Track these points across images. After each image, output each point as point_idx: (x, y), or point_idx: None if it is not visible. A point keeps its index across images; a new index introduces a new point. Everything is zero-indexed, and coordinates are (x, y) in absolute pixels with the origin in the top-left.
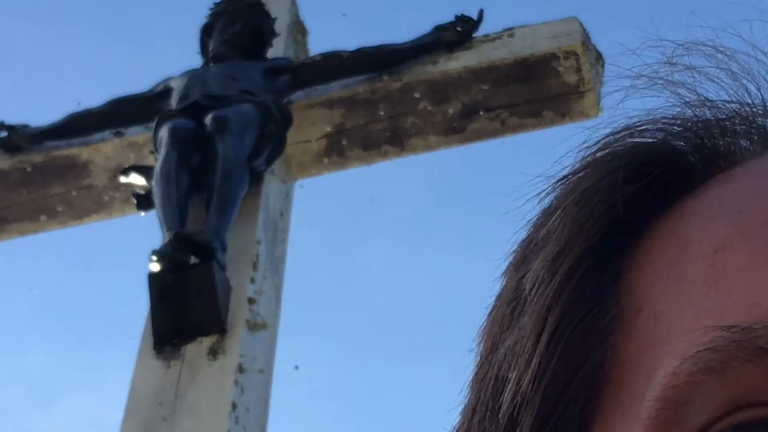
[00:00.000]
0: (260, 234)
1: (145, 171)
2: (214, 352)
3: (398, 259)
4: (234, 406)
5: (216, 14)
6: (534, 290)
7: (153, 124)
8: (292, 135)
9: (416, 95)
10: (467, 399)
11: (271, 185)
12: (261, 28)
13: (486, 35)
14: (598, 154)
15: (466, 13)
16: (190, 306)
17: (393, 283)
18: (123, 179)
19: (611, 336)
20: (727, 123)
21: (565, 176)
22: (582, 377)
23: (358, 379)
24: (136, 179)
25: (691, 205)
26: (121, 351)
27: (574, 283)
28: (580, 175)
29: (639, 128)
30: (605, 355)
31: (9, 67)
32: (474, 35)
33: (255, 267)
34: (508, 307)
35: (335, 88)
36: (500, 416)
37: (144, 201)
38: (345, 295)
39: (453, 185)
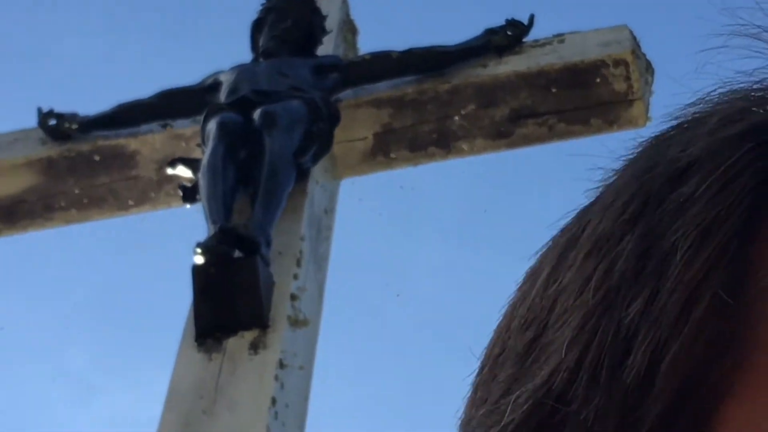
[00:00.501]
0: (305, 231)
1: (191, 163)
2: (255, 347)
3: (446, 262)
4: (273, 401)
5: (267, 10)
6: (680, 254)
7: (201, 117)
8: (339, 133)
9: (465, 98)
10: (575, 345)
11: (316, 183)
12: (311, 25)
13: (536, 40)
14: (720, 166)
15: (517, 18)
16: (232, 300)
17: (439, 286)
18: (170, 171)
19: (755, 314)
20: None
21: (681, 171)
22: (718, 356)
23: (398, 381)
24: (183, 171)
25: None
26: (159, 347)
27: (725, 262)
28: (699, 176)
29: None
30: (746, 335)
31: (60, 59)
32: (524, 40)
33: (299, 263)
34: (640, 262)
35: (384, 88)
36: (632, 369)
37: (190, 193)
38: (389, 295)
39: (505, 190)
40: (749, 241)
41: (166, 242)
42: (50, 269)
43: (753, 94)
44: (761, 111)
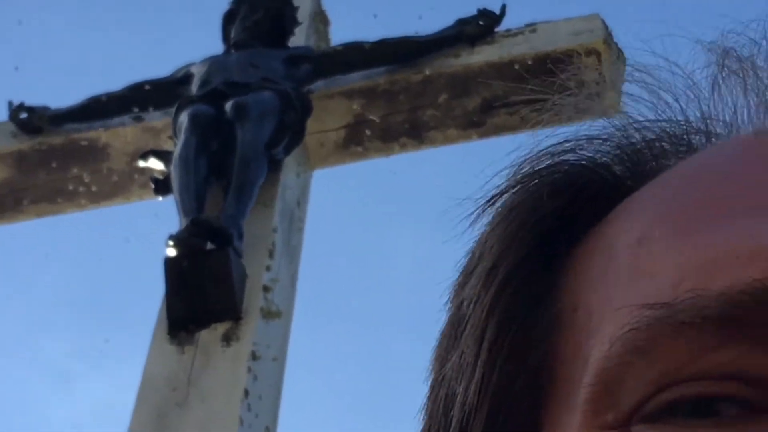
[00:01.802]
0: (277, 222)
1: (163, 156)
2: (227, 339)
3: (419, 252)
4: (246, 393)
5: (239, 1)
6: (471, 305)
7: (173, 110)
8: (311, 124)
9: (437, 88)
10: (423, 423)
11: (289, 174)
12: (283, 17)
13: (508, 30)
14: (522, 174)
15: (489, 8)
16: (205, 292)
17: (412, 276)
18: (141, 164)
19: (550, 337)
20: (655, 143)
21: (493, 197)
22: (525, 379)
23: (371, 371)
24: (155, 164)
25: (617, 210)
26: (136, 336)
27: (509, 293)
28: (508, 195)
29: (567, 146)
30: (546, 356)
31: (30, 51)
32: (496, 30)
33: (271, 255)
34: (452, 329)
35: (356, 79)
36: (451, 429)
37: (162, 186)
38: (362, 286)
39: (479, 179)
40: (538, 269)
41: (140, 234)
42: (25, 259)
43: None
44: (557, 160)
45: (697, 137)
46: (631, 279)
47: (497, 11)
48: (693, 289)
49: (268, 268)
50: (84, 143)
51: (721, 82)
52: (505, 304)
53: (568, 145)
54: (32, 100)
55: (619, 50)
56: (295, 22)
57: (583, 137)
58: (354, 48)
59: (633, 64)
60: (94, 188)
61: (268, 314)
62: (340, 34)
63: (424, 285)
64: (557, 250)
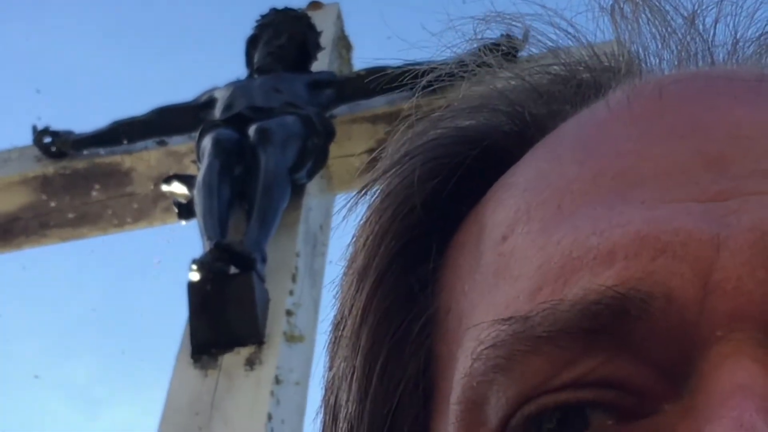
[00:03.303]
0: (300, 247)
1: (187, 180)
2: (251, 363)
3: None
4: (270, 417)
5: (262, 26)
6: (346, 311)
7: (196, 134)
8: (334, 149)
9: None
10: (320, 425)
11: (312, 198)
12: (306, 42)
13: (531, 56)
14: (399, 153)
15: (512, 33)
16: (228, 316)
17: None
18: (165, 188)
19: (427, 342)
20: (545, 87)
21: (368, 183)
22: (406, 389)
23: None
24: (178, 188)
25: (492, 190)
26: (161, 360)
27: (381, 296)
28: (382, 179)
29: (446, 116)
30: (426, 364)
31: (56, 76)
32: (519, 55)
33: (294, 279)
34: (335, 331)
35: (379, 104)
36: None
37: (185, 210)
38: None
39: None
40: (412, 265)
41: (164, 258)
42: (51, 284)
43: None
44: (429, 133)
45: (586, 75)
46: (495, 283)
47: (520, 36)
48: (548, 299)
49: (291, 293)
50: (108, 167)
51: (616, 24)
52: (378, 309)
53: (441, 115)
54: (56, 125)
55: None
56: (318, 47)
57: (457, 104)
58: (377, 73)
59: (508, 15)
60: (117, 212)
61: (291, 338)
62: (363, 59)
63: None
64: (436, 240)
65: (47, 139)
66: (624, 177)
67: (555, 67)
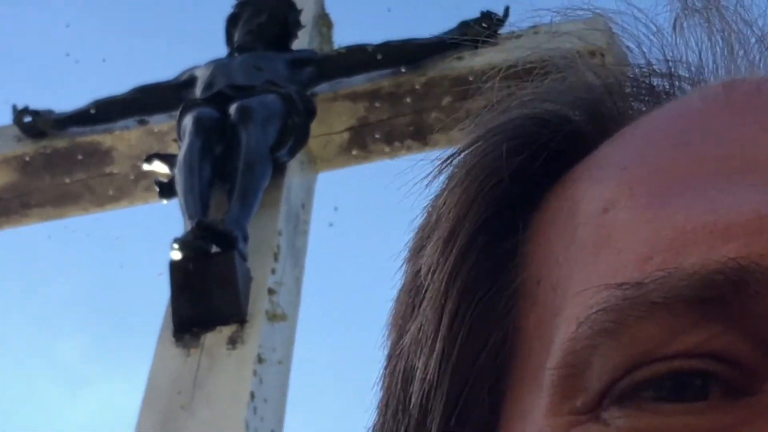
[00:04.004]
0: (282, 225)
1: (168, 159)
2: (233, 342)
3: None
4: (252, 396)
5: (242, 5)
6: (430, 274)
7: (177, 113)
8: (315, 127)
9: (440, 90)
10: (380, 395)
11: (293, 177)
12: (286, 20)
13: (512, 32)
14: (482, 130)
15: (492, 10)
16: (210, 295)
17: None
18: (146, 167)
19: (513, 311)
20: (615, 86)
21: (450, 156)
22: (487, 356)
23: (377, 375)
24: (159, 167)
25: (580, 169)
26: (147, 339)
27: (470, 262)
28: (465, 153)
29: (524, 100)
30: (510, 331)
31: (35, 54)
32: (499, 32)
33: (276, 258)
34: (409, 296)
35: (359, 82)
36: (411, 406)
37: (166, 189)
38: (367, 288)
39: None
40: (499, 234)
41: (144, 237)
42: (36, 263)
43: (524, 99)
44: (514, 113)
45: (659, 80)
46: (596, 253)
47: (501, 13)
48: (664, 266)
49: (273, 271)
50: (88, 147)
51: (684, 23)
52: (466, 275)
53: (525, 97)
54: (36, 104)
55: (623, 51)
56: (298, 25)
57: (541, 87)
58: (357, 51)
59: (594, 8)
60: (98, 192)
61: (274, 317)
62: (343, 37)
63: None
64: (519, 213)
65: (27, 119)
66: (730, 162)
67: (632, 67)
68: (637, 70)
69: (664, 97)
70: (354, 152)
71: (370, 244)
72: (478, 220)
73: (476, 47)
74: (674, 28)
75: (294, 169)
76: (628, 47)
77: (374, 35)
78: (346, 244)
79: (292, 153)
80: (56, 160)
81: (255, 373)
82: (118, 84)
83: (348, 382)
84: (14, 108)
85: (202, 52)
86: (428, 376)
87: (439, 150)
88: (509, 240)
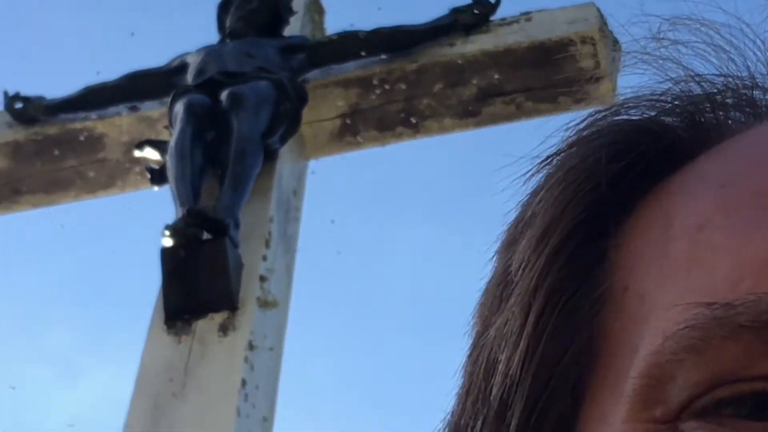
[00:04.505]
0: (273, 212)
1: (159, 146)
2: (224, 329)
3: (418, 241)
4: (243, 383)
5: None
6: (520, 270)
7: (168, 99)
8: (306, 114)
9: (432, 77)
10: (461, 382)
11: (285, 163)
12: (278, 6)
13: (503, 19)
14: (583, 133)
15: None
16: (201, 282)
17: (410, 265)
18: (137, 153)
19: (599, 315)
20: (717, 96)
21: (549, 156)
22: (571, 357)
23: (369, 361)
24: (151, 154)
25: (677, 180)
26: (139, 326)
27: (560, 263)
28: (564, 154)
29: (626, 106)
30: (593, 335)
31: (26, 40)
32: (491, 19)
33: (267, 245)
34: (498, 289)
35: (351, 68)
36: (492, 398)
37: (158, 176)
38: (359, 275)
39: (480, 170)
40: (591, 238)
41: (136, 224)
42: (26, 251)
43: (625, 105)
44: (614, 119)
45: (760, 93)
46: (688, 269)
47: (492, 0)
48: (754, 290)
49: (264, 258)
50: (80, 133)
51: None
52: (555, 275)
53: (628, 103)
54: (28, 90)
55: (615, 38)
56: (290, 12)
57: (644, 95)
58: (349, 37)
59: (700, 19)
60: (89, 178)
61: (265, 304)
62: (335, 23)
63: (422, 274)
64: (613, 219)
65: (18, 105)
66: None
67: (723, 78)
68: (739, 81)
69: (765, 111)
70: (345, 139)
71: (362, 229)
72: (572, 222)
73: (468, 34)
74: None
75: (285, 156)
76: (732, 59)
77: (366, 22)
78: (339, 230)
79: (283, 140)
80: (47, 147)
81: (246, 359)
82: (110, 71)
83: (339, 368)
84: (5, 94)
85: (194, 39)
86: (511, 372)
87: (430, 137)
88: (600, 244)
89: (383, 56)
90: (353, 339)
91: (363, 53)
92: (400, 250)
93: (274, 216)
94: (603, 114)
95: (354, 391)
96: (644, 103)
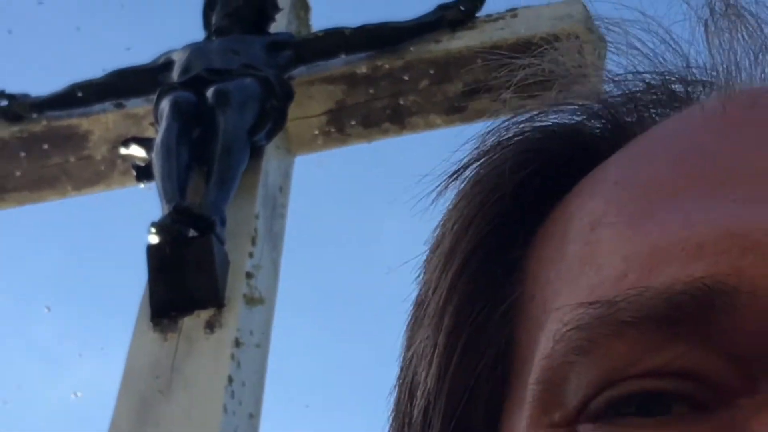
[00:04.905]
0: (259, 209)
1: (145, 143)
2: (211, 326)
3: (402, 235)
4: (230, 380)
5: None
6: (431, 291)
7: (154, 97)
8: (292, 110)
9: (418, 73)
10: (392, 405)
11: (270, 160)
12: (264, 3)
13: (489, 15)
14: (487, 145)
15: None
16: (187, 279)
17: (395, 260)
18: (123, 151)
19: (508, 327)
20: (638, 94)
21: (455, 172)
22: (483, 371)
23: (354, 357)
24: (136, 151)
25: (583, 183)
26: (125, 322)
27: (466, 279)
28: (473, 167)
29: (536, 113)
30: (506, 347)
31: (10, 37)
32: (477, 15)
33: (253, 242)
34: (417, 310)
35: (337, 65)
36: (413, 420)
37: (144, 173)
38: (345, 271)
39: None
40: (499, 250)
41: (123, 221)
42: (13, 245)
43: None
44: (522, 126)
45: (678, 86)
46: (580, 270)
47: None
48: (635, 285)
49: (250, 255)
50: (65, 130)
51: (711, 28)
52: (463, 291)
53: (537, 109)
54: (12, 88)
55: (601, 35)
56: (275, 9)
57: (554, 99)
58: (335, 34)
59: (607, 19)
60: (75, 175)
61: (251, 301)
62: (320, 20)
63: (408, 269)
64: (522, 228)
65: (3, 102)
66: (716, 177)
67: (647, 75)
68: (658, 77)
69: (684, 103)
70: (331, 135)
71: (348, 226)
72: (477, 236)
73: (454, 30)
74: (705, 32)
75: (271, 153)
76: (645, 55)
77: (352, 19)
78: (324, 227)
79: (269, 137)
80: (32, 144)
81: (233, 356)
82: (94, 69)
83: (325, 365)
84: None
85: (180, 36)
86: (428, 388)
87: (417, 133)
88: (509, 256)
89: (369, 53)
90: (339, 334)
91: (349, 50)
92: (386, 243)
93: (260, 213)
94: (513, 121)
95: (341, 387)
96: (555, 107)
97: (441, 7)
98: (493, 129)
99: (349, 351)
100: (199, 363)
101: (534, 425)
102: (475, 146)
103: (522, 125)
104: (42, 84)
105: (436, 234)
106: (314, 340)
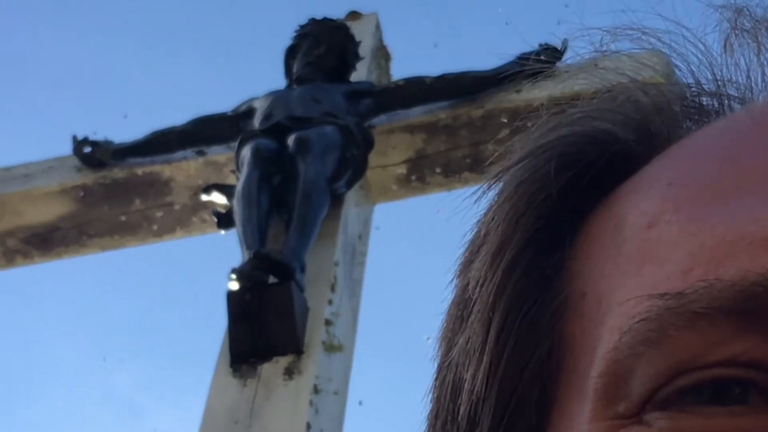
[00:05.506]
0: (339, 256)
1: (226, 190)
2: (290, 372)
3: None
4: (308, 426)
5: (301, 36)
6: (478, 288)
7: (235, 144)
8: (372, 159)
9: (498, 123)
10: (430, 407)
11: (350, 208)
12: (345, 52)
13: (570, 65)
14: (531, 147)
15: (551, 43)
16: (267, 325)
17: None
18: (204, 197)
19: (559, 324)
20: (664, 105)
21: (499, 172)
22: (533, 367)
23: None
24: (217, 198)
25: (628, 186)
26: (201, 368)
27: (516, 277)
28: (514, 169)
29: (575, 117)
30: (555, 344)
31: (96, 86)
32: (558, 65)
33: (333, 289)
34: (458, 310)
35: (417, 114)
36: (459, 418)
37: (224, 220)
38: (424, 319)
39: None
40: (546, 250)
41: (202, 268)
42: (91, 294)
43: (573, 116)
44: (563, 131)
45: (708, 99)
46: (640, 266)
47: (559, 46)
48: (705, 277)
49: (329, 302)
50: (147, 177)
51: (733, 42)
52: (513, 289)
53: (576, 115)
54: (96, 135)
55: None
56: (357, 57)
57: (592, 106)
58: (415, 83)
59: (641, 27)
60: (156, 222)
61: (330, 348)
62: (401, 69)
63: None
64: (566, 229)
65: (87, 149)
66: None
67: (681, 86)
68: (686, 89)
69: (714, 115)
70: (411, 184)
71: (425, 273)
72: (525, 235)
73: (534, 80)
74: (724, 47)
75: (351, 201)
76: (677, 66)
77: (433, 68)
78: (404, 274)
79: (349, 184)
80: (115, 191)
81: (311, 403)
82: (177, 116)
83: (403, 411)
84: (74, 138)
85: (262, 84)
86: (476, 389)
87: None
88: (556, 255)
89: (449, 102)
90: (417, 382)
91: (429, 99)
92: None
93: (339, 260)
94: (551, 127)
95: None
96: (593, 114)
97: (521, 57)
98: (533, 133)
99: (427, 399)
100: (278, 409)
101: (597, 418)
102: (518, 147)
103: (563, 128)
104: (125, 131)
105: (476, 233)
106: (392, 387)
